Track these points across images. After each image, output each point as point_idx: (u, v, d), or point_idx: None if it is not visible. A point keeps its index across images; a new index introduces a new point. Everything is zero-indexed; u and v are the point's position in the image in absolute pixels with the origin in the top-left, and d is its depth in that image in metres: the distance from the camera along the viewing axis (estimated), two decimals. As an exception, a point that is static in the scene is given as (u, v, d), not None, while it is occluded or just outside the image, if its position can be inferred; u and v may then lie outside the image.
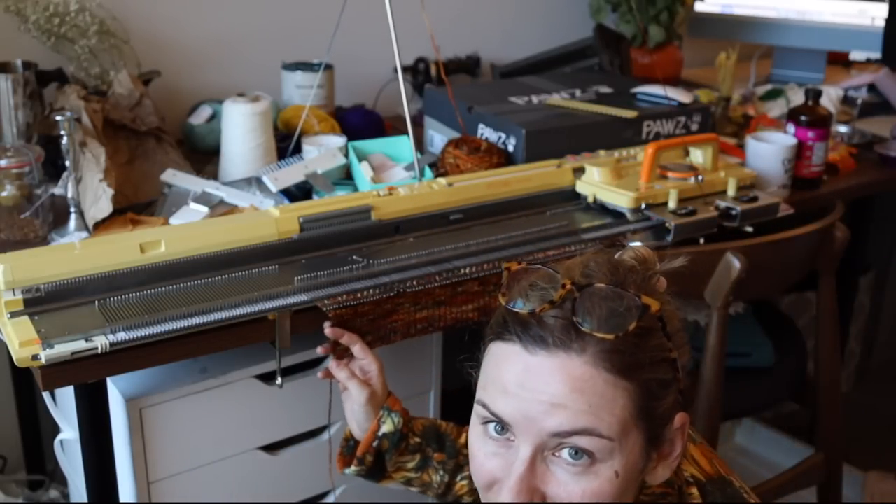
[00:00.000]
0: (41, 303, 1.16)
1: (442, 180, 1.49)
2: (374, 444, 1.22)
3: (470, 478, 1.21)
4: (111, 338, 1.12)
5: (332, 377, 1.26)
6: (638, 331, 0.77)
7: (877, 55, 2.45)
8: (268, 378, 1.39)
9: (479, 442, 0.82)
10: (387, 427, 1.22)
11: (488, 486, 0.82)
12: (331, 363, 1.24)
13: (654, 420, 0.80)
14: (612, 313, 0.76)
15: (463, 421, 1.32)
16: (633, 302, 0.77)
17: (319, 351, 1.25)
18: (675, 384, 0.81)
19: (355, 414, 1.24)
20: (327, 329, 1.23)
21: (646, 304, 0.77)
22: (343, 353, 1.26)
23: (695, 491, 0.91)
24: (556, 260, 0.80)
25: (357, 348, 1.24)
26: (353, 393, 1.23)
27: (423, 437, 1.26)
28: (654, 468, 0.83)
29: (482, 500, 0.85)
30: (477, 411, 0.83)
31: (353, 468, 1.25)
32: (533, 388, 0.76)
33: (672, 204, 1.55)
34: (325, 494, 1.54)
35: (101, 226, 1.43)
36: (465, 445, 1.27)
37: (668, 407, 0.81)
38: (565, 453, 0.77)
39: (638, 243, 0.82)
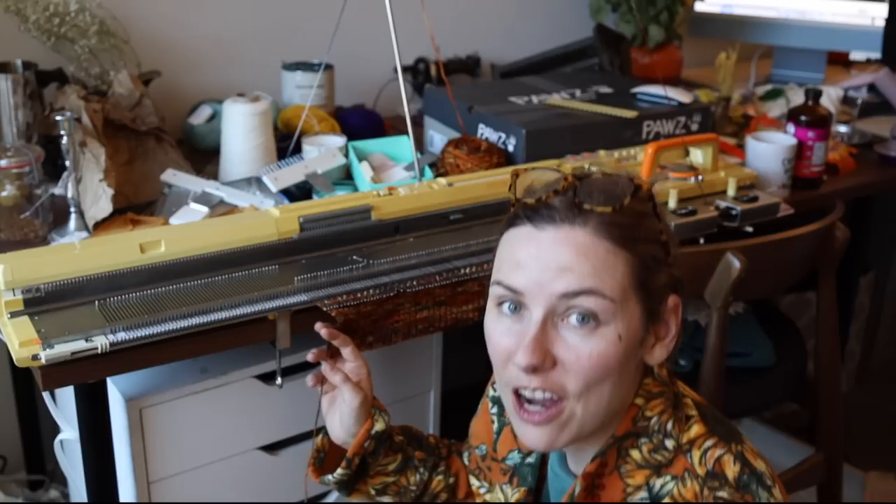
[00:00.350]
0: (41, 303, 1.16)
1: (442, 180, 1.49)
2: (366, 443, 1.19)
3: (446, 472, 1.23)
4: (111, 338, 1.12)
5: (323, 383, 1.21)
6: (632, 210, 0.88)
7: (877, 55, 2.45)
8: (268, 378, 1.39)
9: (495, 323, 0.91)
10: (379, 426, 1.20)
11: (504, 361, 0.90)
12: (324, 367, 1.20)
13: (651, 292, 0.89)
14: (609, 192, 0.87)
15: (464, 421, 1.33)
16: (626, 183, 0.89)
17: (310, 358, 1.20)
18: (667, 267, 0.91)
19: (343, 419, 1.19)
20: (323, 330, 1.19)
21: (638, 184, 0.89)
22: (334, 354, 1.23)
23: (689, 401, 0.97)
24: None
25: (348, 351, 1.20)
26: (346, 397, 1.18)
27: (404, 436, 1.25)
28: (652, 347, 0.92)
29: (497, 380, 0.93)
30: (493, 293, 0.91)
31: (339, 472, 1.19)
32: (543, 258, 0.86)
33: (672, 204, 1.55)
34: (324, 494, 1.54)
35: (101, 226, 1.43)
36: (438, 445, 1.27)
37: (662, 284, 0.90)
38: (573, 318, 0.86)
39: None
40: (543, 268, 0.86)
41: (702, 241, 1.56)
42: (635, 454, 0.93)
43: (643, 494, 0.92)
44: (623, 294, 0.86)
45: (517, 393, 0.90)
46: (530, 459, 1.06)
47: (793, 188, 1.81)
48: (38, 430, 1.96)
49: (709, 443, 0.92)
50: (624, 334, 0.87)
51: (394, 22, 1.50)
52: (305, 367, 1.44)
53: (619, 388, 0.89)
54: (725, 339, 1.59)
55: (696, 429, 0.93)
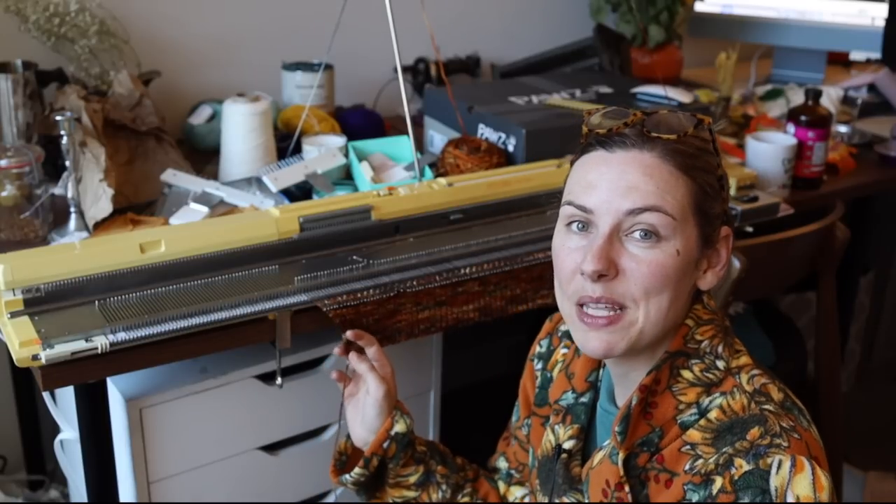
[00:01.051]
0: (41, 303, 1.16)
1: (442, 180, 1.49)
2: (385, 444, 1.20)
3: (472, 493, 1.26)
4: (111, 338, 1.12)
5: (346, 380, 1.26)
6: (695, 141, 0.96)
7: (877, 55, 2.45)
8: (268, 378, 1.39)
9: (563, 240, 0.98)
10: (399, 427, 1.21)
11: (570, 275, 0.96)
12: (351, 355, 1.24)
13: (707, 217, 0.96)
14: (674, 123, 0.96)
15: (464, 421, 1.33)
16: (689, 117, 0.97)
17: (337, 351, 1.25)
18: (722, 201, 0.98)
19: (366, 411, 1.22)
20: (349, 332, 1.23)
21: (700, 118, 0.96)
22: (358, 351, 1.25)
23: (738, 340, 1.04)
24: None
25: (374, 350, 1.24)
26: (371, 387, 1.21)
27: (428, 448, 1.26)
28: (704, 273, 0.99)
29: (560, 298, 1.00)
30: (563, 213, 0.98)
31: (356, 471, 1.21)
32: (612, 177, 0.94)
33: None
34: (325, 494, 1.54)
35: (101, 226, 1.43)
36: (464, 466, 1.30)
37: (717, 213, 0.98)
38: (636, 233, 0.93)
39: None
40: (613, 187, 0.93)
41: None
42: (687, 374, 0.98)
43: (693, 411, 0.97)
44: (682, 213, 0.94)
45: (580, 304, 0.96)
46: (583, 399, 1.11)
47: (793, 188, 1.81)
48: (38, 430, 1.96)
49: (756, 371, 0.99)
50: (682, 250, 0.94)
51: (394, 22, 1.50)
52: (306, 367, 1.44)
53: (676, 302, 0.96)
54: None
55: (744, 359, 1.01)
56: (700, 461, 0.93)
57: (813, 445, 0.92)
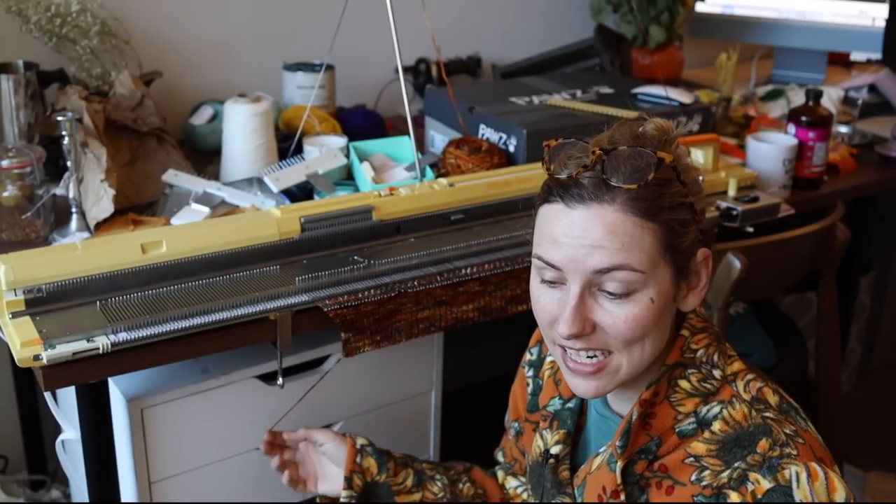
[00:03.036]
0: (43, 303, 1.17)
1: (443, 181, 1.49)
2: (357, 458, 1.26)
3: (472, 483, 1.30)
4: (112, 338, 1.12)
5: (281, 452, 1.34)
6: (657, 181, 0.91)
7: (877, 56, 2.45)
8: (269, 378, 1.39)
9: (539, 290, 0.98)
10: (361, 440, 1.28)
11: (549, 323, 0.97)
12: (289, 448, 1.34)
13: (680, 254, 0.94)
14: (634, 168, 0.91)
15: (464, 421, 1.34)
16: (650, 157, 0.91)
17: (262, 450, 1.33)
18: (694, 224, 0.96)
19: (329, 454, 1.30)
20: (265, 445, 1.33)
21: (661, 158, 0.92)
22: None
23: (728, 344, 1.04)
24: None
25: (301, 433, 1.34)
26: (318, 438, 1.31)
27: (403, 455, 1.31)
28: (685, 297, 0.98)
29: (545, 338, 1.01)
30: (535, 265, 0.97)
31: (343, 495, 1.26)
32: (576, 236, 0.92)
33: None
34: (326, 494, 1.54)
35: (103, 226, 1.43)
36: (450, 463, 1.35)
37: (690, 243, 0.96)
38: (607, 291, 0.92)
39: (657, 118, 1.01)
40: (577, 245, 0.92)
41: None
42: (684, 384, 0.99)
43: (691, 420, 0.98)
44: (652, 262, 0.92)
45: (564, 348, 0.97)
46: (570, 405, 1.12)
47: (793, 188, 1.81)
48: (39, 430, 1.96)
49: (749, 376, 1.00)
50: (656, 297, 0.93)
51: (395, 22, 1.50)
52: (306, 367, 1.44)
53: (659, 338, 0.96)
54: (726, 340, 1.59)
55: (737, 365, 1.01)
56: (707, 472, 0.94)
57: (816, 446, 0.93)
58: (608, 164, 0.91)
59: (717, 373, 0.99)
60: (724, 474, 0.93)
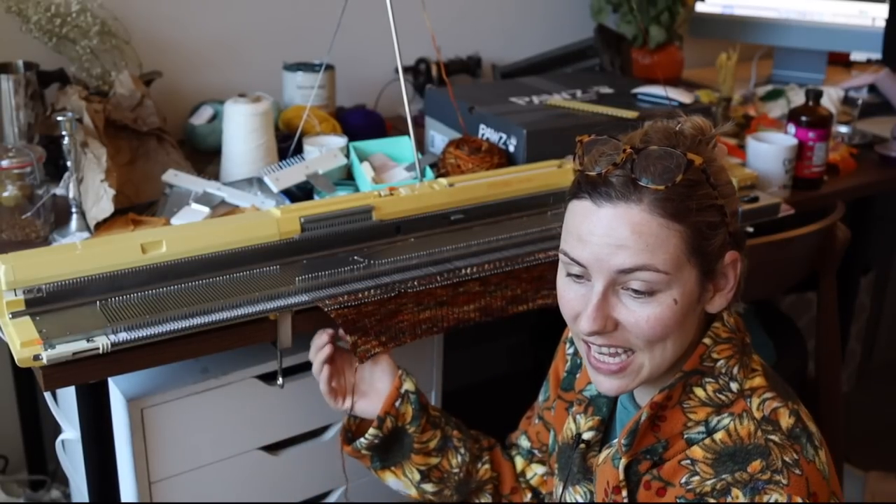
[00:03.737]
0: (43, 303, 1.17)
1: (443, 181, 1.49)
2: (397, 402, 1.23)
3: (492, 463, 1.29)
4: (112, 338, 1.12)
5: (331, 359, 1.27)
6: (685, 182, 0.91)
7: (877, 56, 2.45)
8: (269, 378, 1.39)
9: (565, 285, 0.99)
10: (408, 384, 1.24)
11: (573, 318, 0.98)
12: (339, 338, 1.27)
13: (706, 256, 0.94)
14: (663, 169, 0.91)
15: (464, 421, 1.33)
16: (680, 159, 0.91)
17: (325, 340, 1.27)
18: (724, 227, 0.95)
19: (372, 376, 1.25)
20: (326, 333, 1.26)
21: (690, 160, 0.91)
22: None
23: (756, 358, 1.04)
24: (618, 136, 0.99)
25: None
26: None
27: (441, 414, 1.28)
28: (711, 298, 0.98)
29: (571, 330, 1.01)
30: (561, 259, 0.98)
31: (370, 432, 1.22)
32: (601, 234, 0.92)
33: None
34: (326, 494, 1.54)
35: (103, 226, 1.43)
36: (479, 436, 1.32)
37: (718, 245, 0.95)
38: (631, 290, 0.93)
39: (696, 116, 1.01)
40: (602, 244, 0.92)
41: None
42: (699, 392, 0.99)
43: (701, 429, 0.98)
44: (677, 264, 0.92)
45: (588, 343, 0.98)
46: None
47: (793, 188, 1.81)
48: (39, 430, 1.96)
49: (768, 395, 0.98)
50: (679, 298, 0.93)
51: (395, 22, 1.50)
52: (307, 367, 1.44)
53: (683, 339, 0.97)
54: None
55: (758, 380, 1.00)
56: (696, 478, 0.95)
57: (814, 480, 0.92)
58: (638, 163, 0.92)
59: (734, 385, 0.99)
60: (709, 482, 0.93)
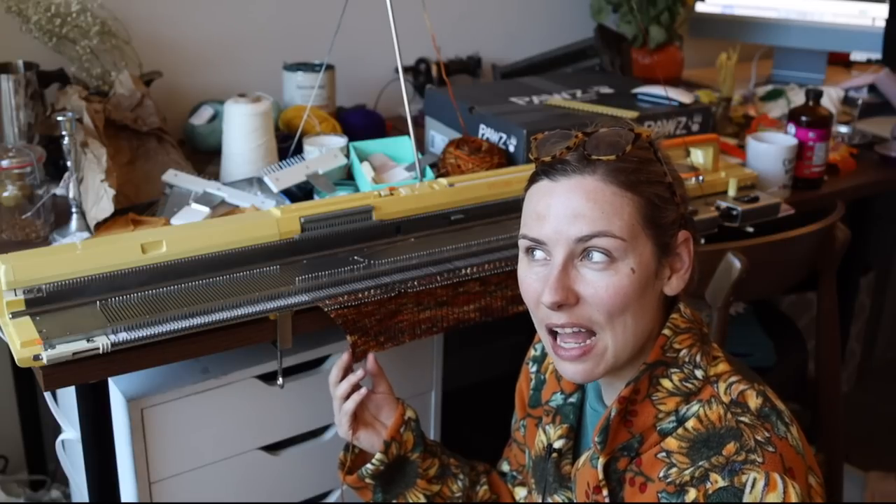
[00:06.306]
0: (43, 303, 1.17)
1: (443, 181, 1.49)
2: (401, 429, 1.24)
3: (490, 487, 1.30)
4: (113, 338, 1.12)
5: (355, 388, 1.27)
6: (635, 156, 0.96)
7: (877, 56, 2.45)
8: (269, 378, 1.39)
9: (525, 270, 1.01)
10: (410, 412, 1.26)
11: (536, 303, 1.00)
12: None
13: (659, 228, 0.97)
14: (612, 143, 0.96)
15: (464, 421, 1.34)
16: (628, 135, 0.97)
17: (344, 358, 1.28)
18: (675, 206, 0.99)
19: (377, 407, 1.27)
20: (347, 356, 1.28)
21: (637, 133, 0.97)
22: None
23: (716, 346, 1.05)
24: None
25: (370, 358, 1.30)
26: (375, 385, 1.28)
27: (435, 444, 1.30)
28: (668, 279, 1.00)
29: (534, 322, 1.03)
30: (521, 245, 1.01)
31: (377, 457, 1.22)
32: (558, 207, 0.96)
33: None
34: (326, 494, 1.54)
35: (103, 226, 1.43)
36: (473, 462, 1.33)
37: (670, 220, 0.99)
38: (589, 259, 0.95)
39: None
40: (560, 216, 0.95)
41: (702, 241, 1.56)
42: (666, 383, 1.00)
43: (672, 419, 0.99)
44: (632, 231, 0.95)
45: (551, 332, 0.99)
46: (572, 399, 1.13)
47: (793, 188, 1.81)
48: (39, 430, 1.96)
49: (734, 378, 1.00)
50: (637, 267, 0.96)
51: (395, 22, 1.50)
52: (307, 367, 1.44)
53: (643, 317, 0.98)
54: (726, 340, 1.59)
55: (722, 366, 1.01)
56: (674, 470, 0.96)
57: (788, 455, 0.93)
58: (589, 142, 0.96)
59: (699, 373, 1.00)
60: (688, 472, 0.94)
